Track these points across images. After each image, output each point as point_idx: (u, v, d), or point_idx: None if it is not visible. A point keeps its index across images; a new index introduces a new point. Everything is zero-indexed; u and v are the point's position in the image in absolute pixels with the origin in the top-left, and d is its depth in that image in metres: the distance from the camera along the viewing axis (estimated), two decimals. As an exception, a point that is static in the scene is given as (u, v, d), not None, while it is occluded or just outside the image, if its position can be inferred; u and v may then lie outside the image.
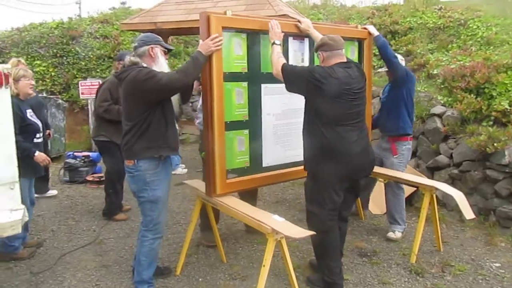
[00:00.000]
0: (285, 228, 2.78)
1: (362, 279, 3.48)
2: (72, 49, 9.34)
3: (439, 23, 7.28)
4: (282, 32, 3.23)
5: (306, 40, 3.59)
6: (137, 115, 2.87)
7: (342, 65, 3.02)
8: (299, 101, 3.45)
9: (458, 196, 3.66)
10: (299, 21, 3.49)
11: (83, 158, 6.37)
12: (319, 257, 3.26)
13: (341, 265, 3.29)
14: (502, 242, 4.16)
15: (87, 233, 4.38)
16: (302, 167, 3.65)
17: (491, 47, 6.06)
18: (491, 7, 8.02)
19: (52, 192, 5.53)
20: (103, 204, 5.16)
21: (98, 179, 6.02)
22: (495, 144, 4.35)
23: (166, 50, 3.06)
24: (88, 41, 9.56)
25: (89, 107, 8.04)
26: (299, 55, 3.56)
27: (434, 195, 3.82)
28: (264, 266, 2.78)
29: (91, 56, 9.27)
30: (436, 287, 3.36)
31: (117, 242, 4.16)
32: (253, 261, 3.78)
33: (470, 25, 6.88)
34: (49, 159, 3.76)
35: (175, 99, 3.10)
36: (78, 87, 8.18)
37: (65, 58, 9.29)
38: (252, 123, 3.36)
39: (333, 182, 3.04)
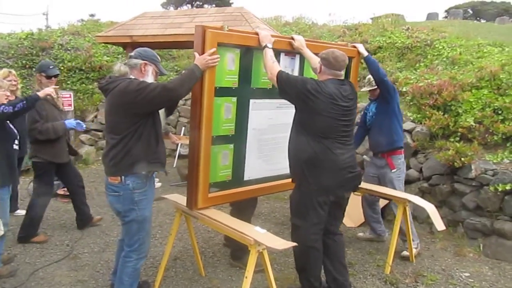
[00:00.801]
0: (268, 239, 2.82)
1: (340, 290, 3.54)
2: (42, 61, 9.14)
3: (407, 43, 7.59)
4: (272, 37, 3.25)
5: (297, 57, 3.63)
6: (126, 127, 2.76)
7: (336, 82, 3.09)
8: (285, 116, 3.51)
9: (430, 208, 3.80)
10: (292, 39, 3.48)
11: (54, 171, 6.20)
12: (300, 270, 3.32)
13: (321, 279, 3.34)
14: (470, 253, 4.34)
15: (60, 248, 4.27)
16: (282, 181, 3.72)
17: (456, 67, 6.37)
18: (454, 28, 8.47)
19: (21, 212, 5.31)
20: (75, 219, 5.07)
21: (69, 193, 5.86)
22: (462, 159, 4.56)
23: (158, 72, 3.00)
24: (59, 53, 9.39)
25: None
26: (289, 71, 3.58)
27: (407, 208, 3.96)
28: (246, 277, 2.81)
29: (62, 68, 9.09)
30: (411, 297, 3.48)
31: (92, 257, 4.08)
32: (232, 274, 3.79)
33: (436, 46, 7.21)
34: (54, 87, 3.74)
35: (161, 113, 3.07)
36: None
37: (34, 69, 9.07)
38: (237, 138, 3.37)
39: (317, 195, 3.08)
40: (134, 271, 3.00)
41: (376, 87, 4.21)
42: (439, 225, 3.73)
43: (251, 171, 3.54)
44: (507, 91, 5.11)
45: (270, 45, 3.17)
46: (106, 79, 2.93)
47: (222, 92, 3.15)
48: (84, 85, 8.98)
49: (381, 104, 4.26)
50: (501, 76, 5.32)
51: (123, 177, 2.81)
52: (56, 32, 10.68)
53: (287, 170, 3.79)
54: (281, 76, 3.05)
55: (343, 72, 3.18)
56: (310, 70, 3.64)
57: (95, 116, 8.65)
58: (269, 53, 3.15)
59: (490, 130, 4.82)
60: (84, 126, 4.59)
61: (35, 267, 3.82)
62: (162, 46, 7.78)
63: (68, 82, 9.00)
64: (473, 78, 5.56)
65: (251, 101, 3.40)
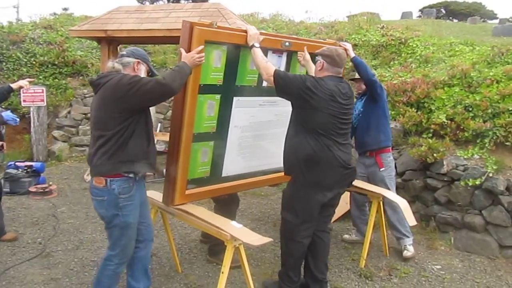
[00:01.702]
0: (244, 234, 2.83)
1: (315, 284, 3.59)
2: (13, 55, 8.88)
3: (381, 41, 7.70)
4: (262, 35, 3.16)
5: (284, 55, 3.56)
6: (118, 123, 2.64)
7: (335, 79, 3.09)
8: (266, 114, 3.52)
9: (403, 204, 3.86)
10: (303, 51, 3.42)
11: (25, 168, 6.07)
12: (282, 264, 3.32)
13: (300, 276, 3.34)
14: (442, 246, 4.45)
15: (33, 246, 4.17)
16: (260, 177, 3.74)
17: (429, 65, 6.50)
18: (427, 27, 8.66)
19: None
20: (48, 216, 4.99)
21: (42, 190, 5.76)
22: (434, 155, 4.67)
23: (150, 71, 2.94)
24: (31, 47, 9.13)
25: (31, 115, 7.70)
26: None
27: (381, 203, 4.03)
28: (222, 273, 2.82)
29: (34, 62, 8.86)
30: (384, 289, 3.55)
31: (66, 255, 4.01)
32: (208, 270, 3.79)
33: (410, 44, 7.35)
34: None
35: (152, 112, 2.97)
36: (19, 94, 7.80)
37: (4, 63, 8.80)
38: (218, 135, 3.32)
39: (315, 193, 3.07)
40: (114, 274, 2.91)
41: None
42: (411, 220, 3.79)
43: (229, 168, 3.52)
44: (477, 89, 5.24)
45: (257, 44, 3.08)
46: (98, 74, 2.83)
47: (206, 89, 3.07)
48: (57, 80, 8.77)
49: (367, 103, 4.17)
50: (472, 74, 5.45)
51: (108, 180, 2.67)
52: (27, 25, 10.37)
53: (265, 167, 3.82)
54: (278, 75, 3.00)
55: (342, 70, 3.17)
56: (297, 68, 3.62)
57: (69, 112, 8.48)
58: (259, 53, 3.06)
59: (461, 127, 4.93)
60: (18, 120, 4.35)
61: (6, 266, 3.73)
62: (137, 41, 7.67)
63: (40, 77, 8.76)
64: (445, 76, 5.68)
65: (235, 98, 3.34)
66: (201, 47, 2.84)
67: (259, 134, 3.65)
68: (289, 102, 3.15)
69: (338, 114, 3.04)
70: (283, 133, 3.26)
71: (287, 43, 3.42)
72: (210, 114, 3.21)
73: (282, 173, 3.98)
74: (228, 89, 3.26)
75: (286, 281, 3.27)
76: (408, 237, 4.20)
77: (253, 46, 3.08)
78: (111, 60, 2.88)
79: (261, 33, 3.20)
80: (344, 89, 3.11)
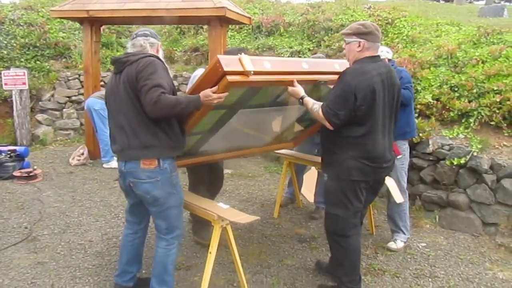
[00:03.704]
0: (230, 214, 2.85)
1: (303, 263, 3.63)
2: None
3: (368, 21, 7.65)
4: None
5: None
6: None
7: (375, 60, 2.89)
8: (267, 115, 3.54)
9: (389, 182, 3.89)
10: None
11: (9, 152, 5.96)
12: (339, 264, 3.14)
13: (360, 272, 3.16)
14: (427, 224, 4.53)
15: (18, 231, 4.12)
16: (235, 152, 3.76)
17: (416, 45, 6.50)
18: (414, 8, 8.62)
19: None
20: (33, 201, 4.93)
21: (26, 175, 5.67)
22: (420, 134, 4.70)
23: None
24: (11, 29, 8.88)
25: (13, 98, 7.54)
26: None
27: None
28: (210, 253, 2.83)
29: (14, 44, 8.62)
30: (371, 267, 3.60)
31: (52, 238, 3.97)
32: (196, 251, 3.80)
33: (397, 24, 7.33)
34: None
35: None
36: (0, 77, 7.62)
37: None
38: (211, 131, 3.23)
39: (359, 181, 2.92)
40: (176, 255, 2.90)
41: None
42: (398, 197, 3.82)
43: (208, 147, 3.46)
44: (463, 69, 5.28)
45: (304, 94, 2.94)
46: (126, 53, 2.75)
47: (216, 107, 2.80)
48: (39, 62, 8.57)
49: None
50: (457, 55, 5.48)
51: (160, 160, 2.63)
52: (6, 6, 10.07)
53: (243, 145, 3.82)
54: (335, 120, 2.79)
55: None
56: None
57: (52, 95, 8.32)
58: (310, 102, 2.91)
59: (447, 107, 4.97)
60: None
61: (-9, 251, 3.69)
62: (120, 21, 7.55)
63: (22, 60, 8.55)
64: (432, 56, 5.70)
65: (241, 110, 3.15)
66: (226, 94, 2.59)
67: (251, 128, 3.60)
68: (296, 107, 3.03)
69: (383, 96, 2.85)
70: (273, 123, 3.19)
71: (322, 82, 3.21)
72: (210, 120, 3.06)
73: (258, 148, 4.04)
74: (239, 107, 3.08)
75: (346, 282, 3.06)
76: (404, 233, 4.00)
77: (303, 97, 2.94)
78: (142, 39, 2.75)
79: (302, 73, 3.02)
80: (386, 67, 2.92)
